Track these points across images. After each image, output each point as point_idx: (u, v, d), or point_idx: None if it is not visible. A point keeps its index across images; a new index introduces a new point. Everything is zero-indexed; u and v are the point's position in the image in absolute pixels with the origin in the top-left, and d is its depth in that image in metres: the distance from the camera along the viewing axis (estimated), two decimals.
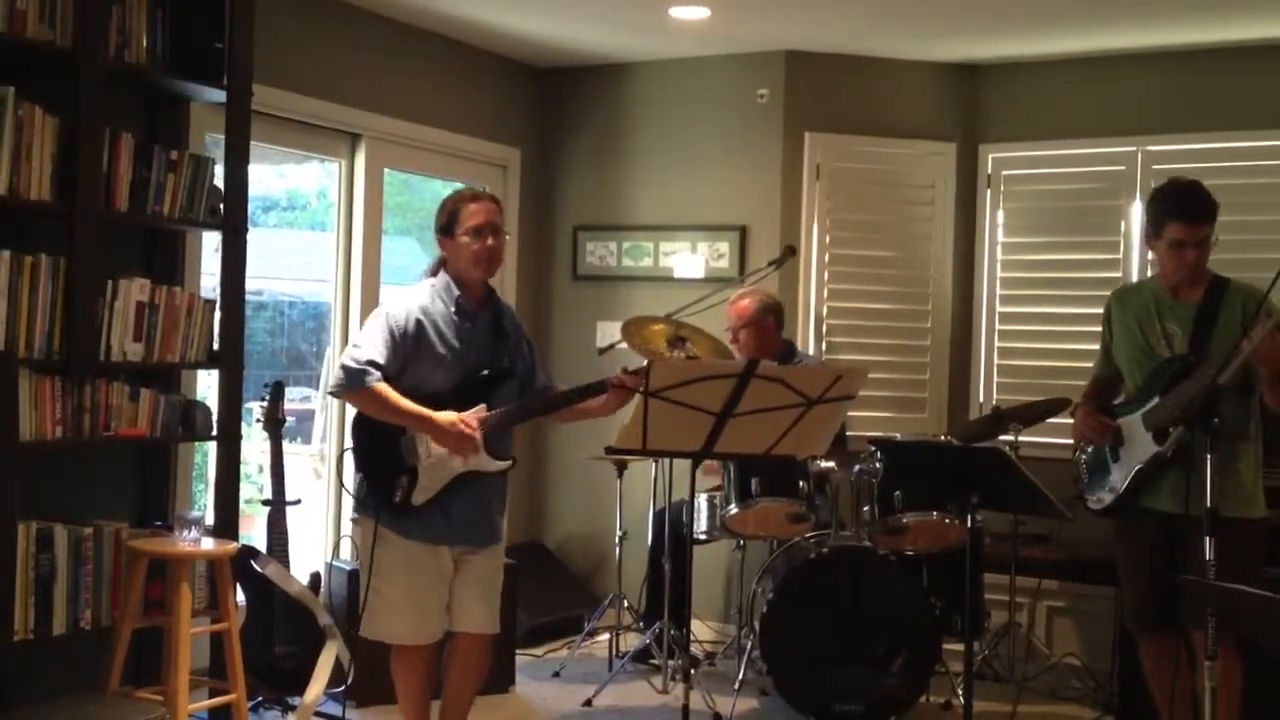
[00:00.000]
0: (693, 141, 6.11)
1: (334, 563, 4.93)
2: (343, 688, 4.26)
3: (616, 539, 5.46)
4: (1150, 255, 4.22)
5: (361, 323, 5.32)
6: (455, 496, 3.66)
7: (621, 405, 3.68)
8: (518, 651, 5.20)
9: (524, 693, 5.04)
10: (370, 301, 5.46)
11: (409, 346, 3.63)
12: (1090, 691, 5.06)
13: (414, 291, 3.74)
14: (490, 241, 3.70)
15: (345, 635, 4.23)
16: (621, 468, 5.40)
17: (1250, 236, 5.02)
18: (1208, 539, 3.06)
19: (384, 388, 3.57)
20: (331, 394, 3.82)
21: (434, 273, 3.80)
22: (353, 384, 3.59)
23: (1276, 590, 2.35)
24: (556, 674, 5.26)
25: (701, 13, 5.34)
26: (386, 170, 5.66)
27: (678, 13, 5.34)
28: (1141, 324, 3.94)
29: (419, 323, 3.64)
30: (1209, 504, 3.08)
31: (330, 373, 5.48)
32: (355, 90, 5.35)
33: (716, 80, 6.07)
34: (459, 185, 6.03)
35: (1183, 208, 3.81)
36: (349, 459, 3.80)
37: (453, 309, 3.69)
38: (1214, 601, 2.88)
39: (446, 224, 3.74)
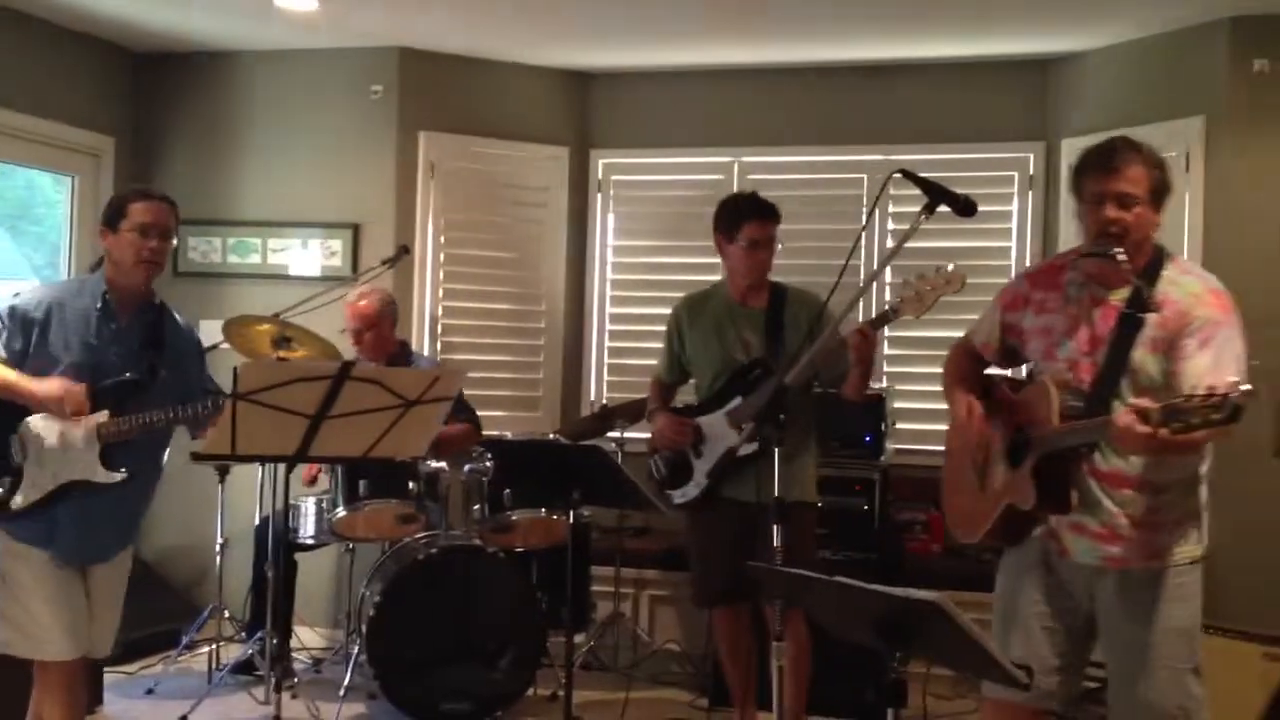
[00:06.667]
0: (304, 135, 5.96)
1: None
2: None
3: (217, 548, 5.24)
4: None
5: None
6: (67, 506, 3.47)
7: None
8: (106, 670, 4.88)
9: (113, 712, 4.77)
10: None
11: (33, 333, 3.45)
12: (688, 675, 5.32)
13: (60, 283, 3.64)
14: (155, 243, 3.52)
15: None
16: (223, 473, 5.19)
17: (826, 244, 5.43)
18: (775, 527, 3.29)
19: None
20: None
21: (94, 270, 3.64)
22: None
23: (836, 571, 2.54)
24: (150, 691, 5.00)
25: (309, 3, 5.21)
26: None
27: (283, 2, 5.18)
28: (719, 332, 4.23)
29: (49, 311, 3.47)
30: (777, 494, 3.31)
31: None
32: None
33: (329, 74, 5.94)
34: (47, 173, 5.66)
35: (757, 209, 4.17)
36: None
37: (97, 305, 3.51)
38: (782, 586, 3.08)
39: (110, 217, 3.55)
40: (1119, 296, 2.91)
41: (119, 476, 3.51)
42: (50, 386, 3.40)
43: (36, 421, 3.44)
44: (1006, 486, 2.96)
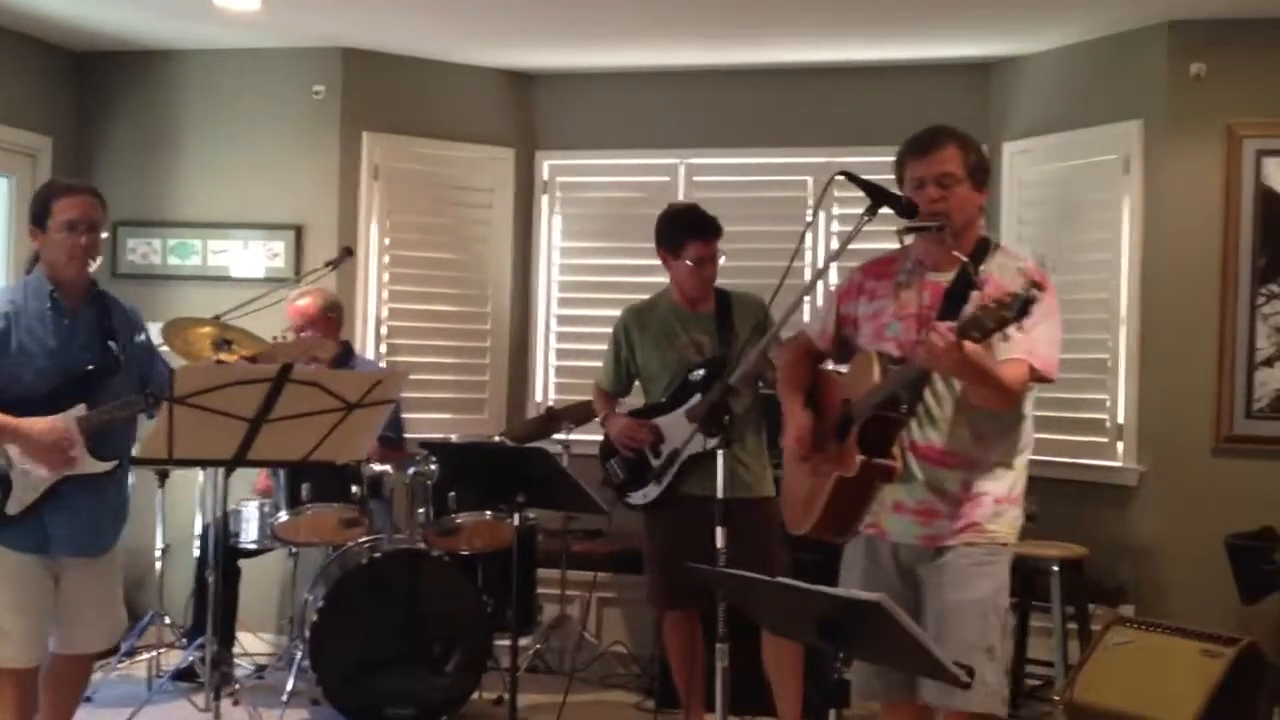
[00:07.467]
0: (246, 136, 5.88)
1: None
2: None
3: (158, 553, 5.17)
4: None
5: None
6: (58, 502, 3.45)
7: None
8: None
9: None
10: None
11: None
12: (634, 677, 5.31)
13: (5, 289, 3.59)
14: (84, 239, 3.50)
15: None
16: (163, 477, 5.12)
17: (770, 245, 5.43)
18: (719, 528, 3.30)
19: None
20: None
21: (30, 269, 3.61)
22: None
23: (803, 571, 2.56)
24: (88, 699, 4.89)
25: (251, 3, 5.15)
26: None
27: (224, 1, 5.12)
28: (669, 337, 4.28)
29: (6, 318, 3.45)
30: (720, 494, 3.32)
31: None
32: None
33: (271, 74, 5.87)
34: None
35: (699, 228, 4.21)
36: None
37: (47, 305, 3.49)
38: (725, 587, 3.09)
39: (38, 215, 3.54)
40: (946, 277, 3.03)
41: (109, 465, 3.53)
42: (43, 425, 3.38)
43: None
44: (834, 461, 3.02)
